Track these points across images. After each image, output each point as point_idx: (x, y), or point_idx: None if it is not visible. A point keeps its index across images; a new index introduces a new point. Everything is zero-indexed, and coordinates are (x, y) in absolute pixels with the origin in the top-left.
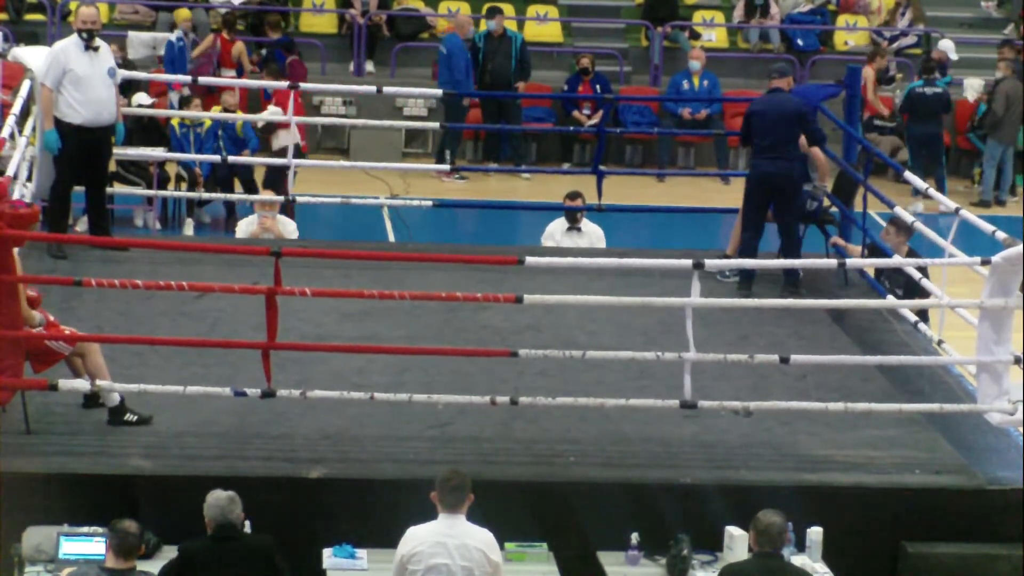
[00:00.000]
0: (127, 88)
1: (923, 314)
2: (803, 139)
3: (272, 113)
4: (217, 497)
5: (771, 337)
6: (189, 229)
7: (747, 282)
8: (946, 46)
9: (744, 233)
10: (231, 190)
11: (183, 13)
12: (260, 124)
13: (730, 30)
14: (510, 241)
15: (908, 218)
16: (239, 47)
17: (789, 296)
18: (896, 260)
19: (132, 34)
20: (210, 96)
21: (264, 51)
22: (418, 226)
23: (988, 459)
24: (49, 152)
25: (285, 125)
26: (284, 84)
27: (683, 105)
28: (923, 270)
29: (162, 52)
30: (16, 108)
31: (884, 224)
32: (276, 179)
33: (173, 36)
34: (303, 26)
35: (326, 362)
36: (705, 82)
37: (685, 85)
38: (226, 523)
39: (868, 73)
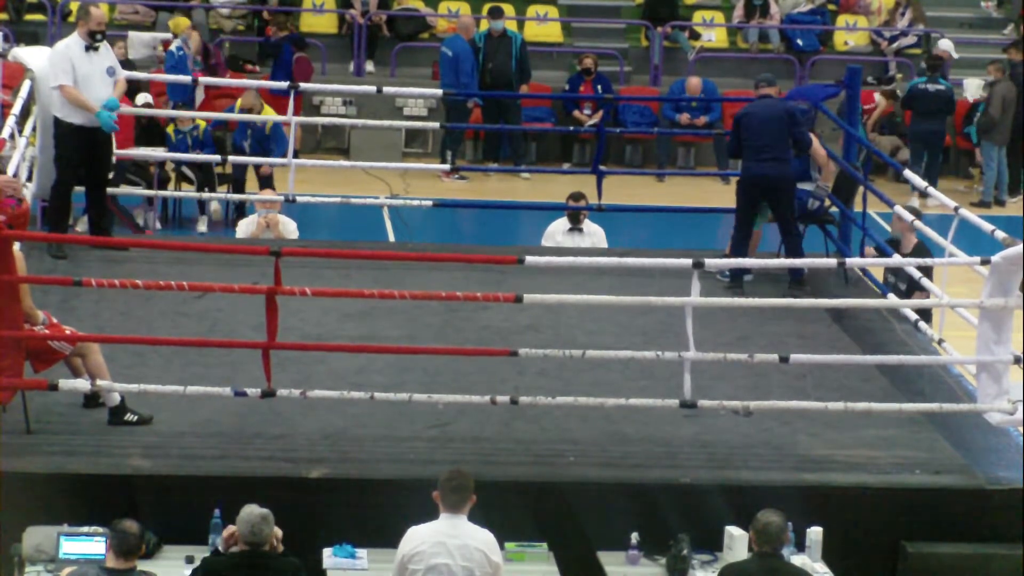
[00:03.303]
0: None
1: (925, 313)
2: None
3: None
4: (250, 513)
5: (771, 337)
6: (203, 226)
7: (738, 280)
8: (946, 45)
9: (736, 233)
10: (242, 190)
11: (183, 22)
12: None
13: (730, 30)
14: (510, 241)
15: (908, 216)
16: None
17: (796, 293)
18: (895, 260)
19: (132, 34)
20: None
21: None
22: (418, 226)
23: (988, 459)
24: (108, 127)
25: None
26: (284, 84)
27: (682, 111)
28: (927, 270)
29: (163, 52)
30: (16, 108)
31: (883, 224)
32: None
33: (173, 46)
34: (303, 26)
35: (326, 362)
36: (702, 95)
37: None
38: (254, 542)
39: (881, 103)
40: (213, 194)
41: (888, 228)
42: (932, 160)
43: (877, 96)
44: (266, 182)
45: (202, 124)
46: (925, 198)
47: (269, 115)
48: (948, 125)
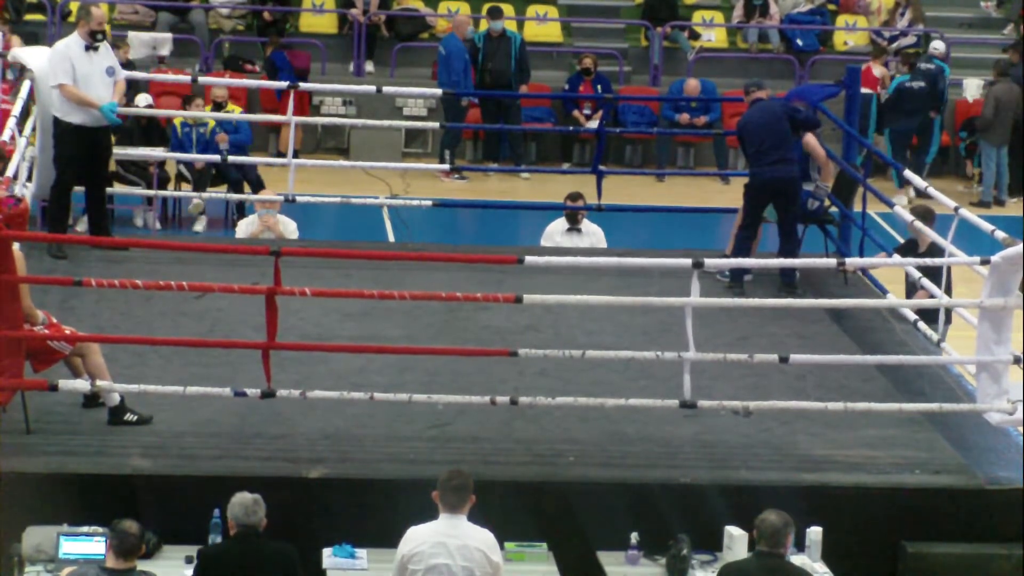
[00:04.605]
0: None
1: (932, 315)
2: (808, 139)
3: None
4: (242, 498)
5: (771, 337)
6: (200, 226)
7: (738, 280)
8: (938, 46)
9: (741, 232)
10: (240, 190)
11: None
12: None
13: (729, 30)
14: (510, 241)
15: (908, 217)
16: None
17: (786, 296)
18: (896, 260)
19: (132, 34)
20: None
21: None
22: (418, 226)
23: (988, 459)
24: (111, 120)
25: None
26: (284, 84)
27: (681, 111)
28: (937, 268)
29: (163, 52)
30: (16, 109)
31: (883, 224)
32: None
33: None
34: (303, 26)
35: (326, 362)
36: (701, 95)
37: None
38: (247, 524)
39: (882, 72)
40: (214, 194)
41: (888, 228)
42: (915, 159)
43: (875, 70)
44: (256, 180)
45: (211, 123)
46: (924, 198)
47: (234, 108)
48: (931, 124)
